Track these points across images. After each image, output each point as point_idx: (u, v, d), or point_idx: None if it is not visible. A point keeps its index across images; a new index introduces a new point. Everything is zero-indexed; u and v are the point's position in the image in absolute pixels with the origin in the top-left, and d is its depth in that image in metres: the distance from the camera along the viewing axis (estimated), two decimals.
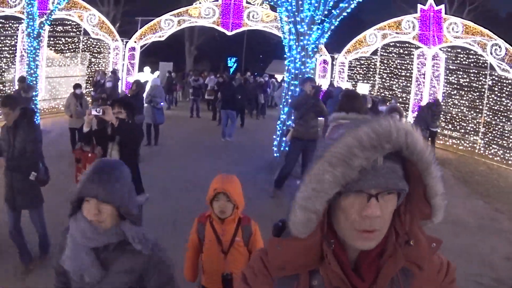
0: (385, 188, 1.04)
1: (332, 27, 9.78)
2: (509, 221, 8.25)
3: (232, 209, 2.94)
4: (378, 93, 17.05)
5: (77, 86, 10.45)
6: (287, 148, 8.77)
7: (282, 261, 1.15)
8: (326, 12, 9.51)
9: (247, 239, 3.02)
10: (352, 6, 9.40)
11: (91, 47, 17.40)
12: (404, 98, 16.39)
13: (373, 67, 17.76)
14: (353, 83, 17.71)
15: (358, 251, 1.12)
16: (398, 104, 12.12)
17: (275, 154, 10.46)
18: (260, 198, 7.52)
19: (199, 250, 3.09)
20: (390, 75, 17.24)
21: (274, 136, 10.71)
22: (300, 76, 9.52)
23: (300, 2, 9.25)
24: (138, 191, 4.37)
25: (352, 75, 18.29)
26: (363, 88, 16.82)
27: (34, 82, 11.71)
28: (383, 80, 17.45)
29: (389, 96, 16.55)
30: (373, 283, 1.10)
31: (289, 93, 9.95)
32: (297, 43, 9.57)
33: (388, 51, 17.11)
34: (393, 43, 16.68)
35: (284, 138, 9.53)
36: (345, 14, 9.56)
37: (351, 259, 1.14)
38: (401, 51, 16.76)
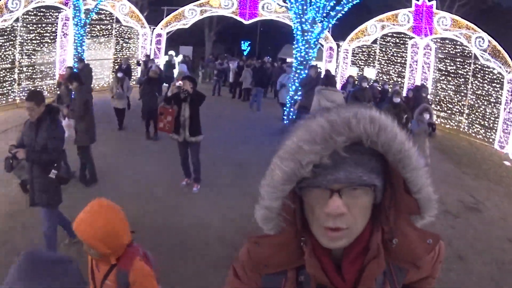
0: (347, 183, 0.92)
1: (330, 25, 11.88)
2: (472, 180, 9.38)
3: (97, 254, 2.29)
4: (378, 77, 18.27)
5: (118, 70, 11.50)
6: (294, 116, 11.12)
7: (263, 259, 1.08)
8: (325, 14, 11.47)
9: (123, 287, 2.35)
10: (346, 9, 11.38)
11: (122, 34, 18.49)
12: (399, 82, 17.56)
13: (373, 54, 18.96)
14: (359, 68, 19.14)
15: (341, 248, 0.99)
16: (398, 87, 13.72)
17: (285, 122, 12.69)
18: (272, 156, 10.21)
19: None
20: (387, 62, 18.51)
21: (285, 108, 12.82)
22: (305, 62, 11.72)
23: (305, 7, 11.32)
24: (200, 132, 6.82)
25: (355, 61, 19.47)
26: (369, 72, 18.36)
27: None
28: (382, 66, 18.75)
29: (387, 79, 17.97)
30: (357, 283, 0.98)
31: (296, 75, 12.05)
32: (302, 38, 11.68)
33: (386, 40, 18.33)
34: (391, 34, 17.84)
35: (292, 109, 11.75)
36: (340, 15, 11.56)
37: (337, 255, 1.02)
38: (397, 40, 17.92)
